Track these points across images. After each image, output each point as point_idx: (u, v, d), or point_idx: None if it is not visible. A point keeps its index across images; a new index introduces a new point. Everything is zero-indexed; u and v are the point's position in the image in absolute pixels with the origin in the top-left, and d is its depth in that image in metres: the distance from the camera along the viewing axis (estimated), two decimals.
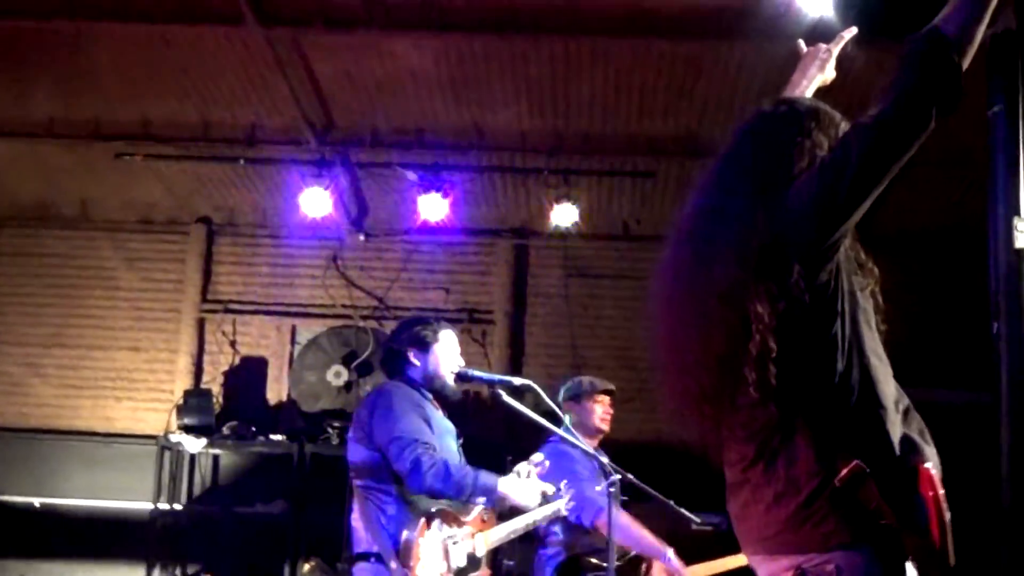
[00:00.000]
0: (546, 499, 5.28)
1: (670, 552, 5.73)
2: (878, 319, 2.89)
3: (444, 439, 5.10)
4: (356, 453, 5.02)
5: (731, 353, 2.78)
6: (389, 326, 9.77)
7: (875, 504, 2.67)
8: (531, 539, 6.03)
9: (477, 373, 5.23)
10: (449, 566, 4.86)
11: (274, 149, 8.96)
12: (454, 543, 4.90)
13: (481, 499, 5.00)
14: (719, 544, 6.81)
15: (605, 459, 5.15)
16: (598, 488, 5.59)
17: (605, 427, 6.20)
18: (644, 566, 6.02)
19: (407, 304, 9.87)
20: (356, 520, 4.99)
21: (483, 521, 5.09)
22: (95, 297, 10.04)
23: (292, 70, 8.01)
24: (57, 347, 9.99)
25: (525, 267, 9.92)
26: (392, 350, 5.27)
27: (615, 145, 8.74)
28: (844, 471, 2.67)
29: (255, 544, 9.12)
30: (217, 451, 9.45)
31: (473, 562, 5.00)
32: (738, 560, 6.10)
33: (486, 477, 4.96)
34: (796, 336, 2.72)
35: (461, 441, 5.29)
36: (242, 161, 9.00)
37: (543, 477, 5.98)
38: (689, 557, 6.18)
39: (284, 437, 9.19)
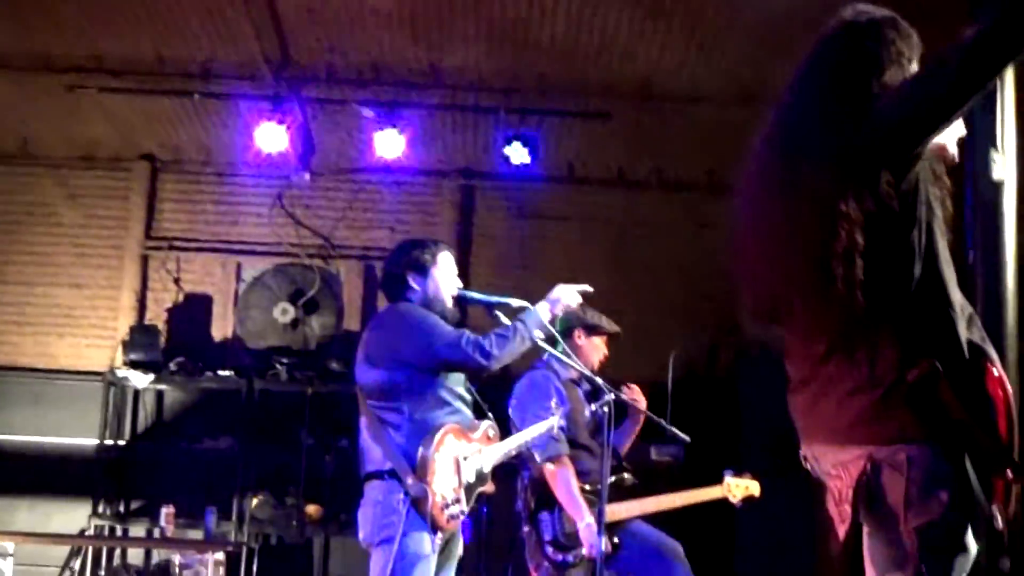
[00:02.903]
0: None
1: (590, 519, 5.74)
2: (944, 228, 3.08)
3: None
4: (366, 374, 5.09)
5: (817, 251, 2.95)
6: (335, 264, 9.87)
7: (947, 400, 2.85)
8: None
9: (476, 295, 5.36)
10: (460, 481, 5.00)
11: (228, 84, 8.93)
12: (464, 459, 5.04)
13: (539, 333, 5.13)
14: (675, 477, 7.07)
15: (599, 380, 5.33)
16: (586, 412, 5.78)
17: (596, 366, 6.33)
18: None
19: (353, 243, 9.96)
20: (366, 440, 5.09)
21: (488, 438, 5.24)
22: (36, 234, 9.95)
23: (252, 3, 7.99)
24: None
25: (471, 208, 10.04)
26: (391, 274, 5.36)
27: (571, 87, 8.88)
28: (918, 368, 2.87)
29: (203, 480, 9.16)
30: (164, 387, 9.45)
31: (480, 477, 5.15)
32: (690, 497, 6.35)
33: (526, 317, 5.13)
34: (879, 239, 2.90)
35: None
36: (197, 96, 8.97)
37: (516, 407, 6.17)
38: (645, 488, 6.40)
39: (232, 373, 9.21)
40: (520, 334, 5.05)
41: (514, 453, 5.51)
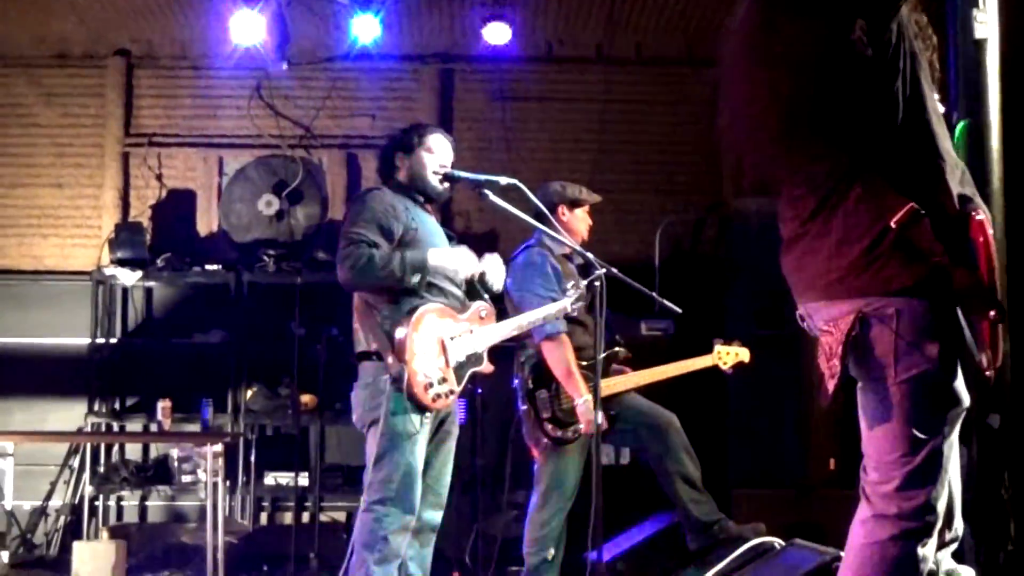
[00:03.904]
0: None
1: (588, 395, 5.84)
2: (932, 84, 3.09)
3: (432, 240, 5.25)
4: None
5: (801, 105, 2.97)
6: (317, 154, 9.82)
7: (928, 244, 2.89)
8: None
9: (462, 173, 5.37)
10: (447, 361, 5.04)
11: None
12: (451, 339, 5.07)
13: (417, 276, 5.05)
14: (666, 351, 7.13)
15: (590, 255, 5.34)
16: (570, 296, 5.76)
17: (586, 237, 6.41)
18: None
19: (334, 132, 9.90)
20: (356, 322, 5.16)
21: (481, 318, 5.27)
22: (13, 135, 9.82)
23: None
24: None
25: (451, 92, 9.97)
26: (383, 155, 5.46)
27: None
28: (900, 212, 2.90)
29: (196, 374, 9.19)
30: (152, 283, 9.44)
31: (473, 358, 5.18)
32: (682, 367, 6.42)
33: (412, 254, 5.09)
34: (859, 88, 2.93)
35: (455, 242, 5.44)
36: None
37: (515, 285, 6.20)
38: (637, 362, 6.47)
39: (219, 267, 9.20)
40: (392, 267, 5.00)
41: (516, 333, 5.55)
